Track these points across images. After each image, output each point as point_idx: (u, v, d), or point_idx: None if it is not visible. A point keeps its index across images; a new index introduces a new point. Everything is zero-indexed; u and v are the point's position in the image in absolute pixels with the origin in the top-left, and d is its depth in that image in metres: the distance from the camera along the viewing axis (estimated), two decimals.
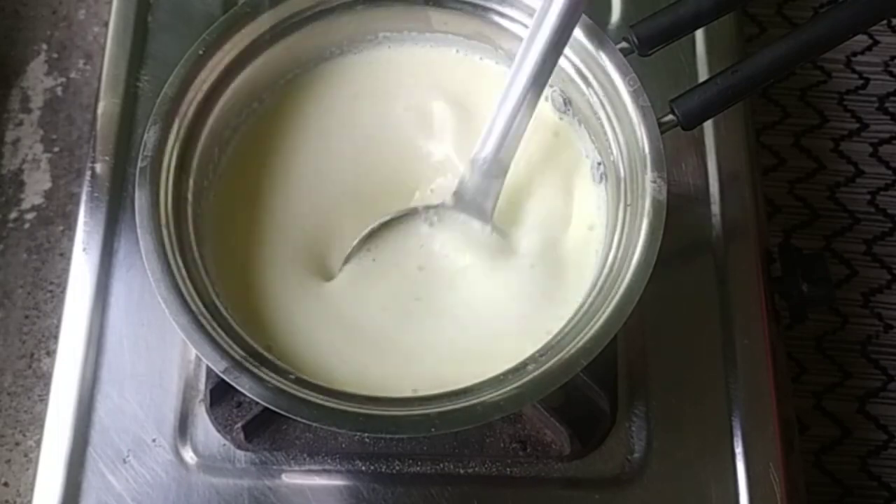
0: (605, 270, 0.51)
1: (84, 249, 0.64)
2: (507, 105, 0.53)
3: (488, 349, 0.53)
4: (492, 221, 0.56)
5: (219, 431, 0.59)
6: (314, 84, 0.61)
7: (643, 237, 0.50)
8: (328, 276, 0.56)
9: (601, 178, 0.57)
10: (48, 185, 0.95)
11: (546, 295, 0.55)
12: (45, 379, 0.87)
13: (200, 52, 0.55)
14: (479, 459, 0.59)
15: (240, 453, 0.59)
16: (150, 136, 0.52)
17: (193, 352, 0.58)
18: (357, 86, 0.61)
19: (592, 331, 0.48)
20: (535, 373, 0.47)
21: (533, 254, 0.56)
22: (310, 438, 0.59)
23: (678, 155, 0.67)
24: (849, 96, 1.04)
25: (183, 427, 0.60)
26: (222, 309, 0.50)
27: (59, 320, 0.63)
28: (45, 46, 1.02)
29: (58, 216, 0.94)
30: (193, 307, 0.48)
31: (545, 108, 0.60)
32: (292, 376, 0.48)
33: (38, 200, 0.95)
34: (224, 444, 0.59)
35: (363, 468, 0.59)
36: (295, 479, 0.59)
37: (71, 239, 0.65)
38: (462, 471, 0.59)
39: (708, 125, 0.68)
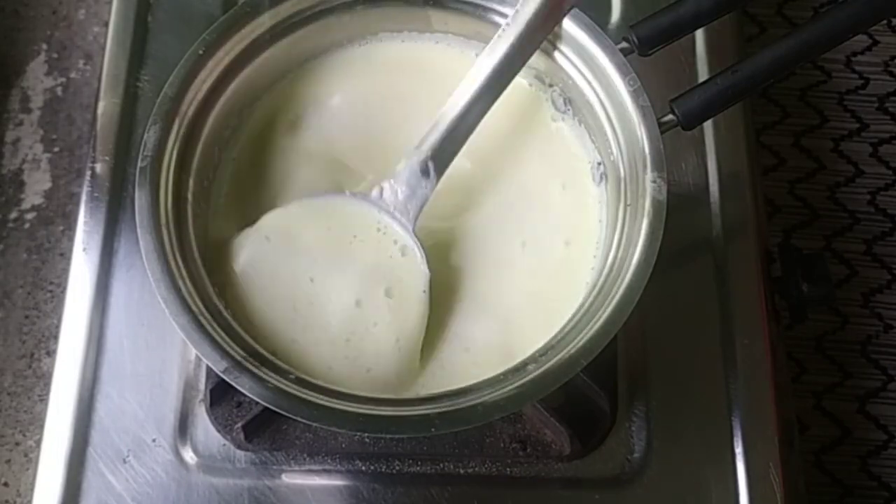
0: (605, 270, 0.51)
1: (84, 249, 0.64)
2: (456, 98, 0.54)
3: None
4: (414, 235, 0.54)
5: (219, 431, 0.59)
6: (314, 83, 0.61)
7: (643, 237, 0.50)
8: None
9: (601, 178, 0.57)
10: (48, 185, 0.95)
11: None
12: (45, 379, 0.87)
13: (200, 52, 0.55)
14: (479, 459, 0.59)
15: (240, 453, 0.59)
16: (150, 136, 0.52)
17: (193, 352, 0.58)
18: (357, 85, 0.61)
19: (592, 331, 0.48)
20: (535, 373, 0.47)
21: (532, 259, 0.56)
22: (310, 438, 0.59)
23: (678, 155, 0.67)
24: (849, 96, 1.04)
25: (183, 427, 0.60)
26: (222, 309, 0.50)
27: (59, 320, 0.63)
28: (45, 46, 1.02)
29: (58, 216, 0.94)
30: (193, 307, 0.48)
31: (545, 108, 0.60)
32: (292, 376, 0.48)
33: (38, 200, 0.95)
34: (224, 444, 0.59)
35: (363, 468, 0.59)
36: (295, 479, 0.59)
37: (71, 239, 0.65)
38: (462, 471, 0.59)
39: (708, 125, 0.68)
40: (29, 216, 0.94)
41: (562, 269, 0.56)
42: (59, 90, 1.00)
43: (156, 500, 0.58)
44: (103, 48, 0.71)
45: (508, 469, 0.59)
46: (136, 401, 0.60)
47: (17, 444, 0.86)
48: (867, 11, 0.53)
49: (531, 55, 0.55)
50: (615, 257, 0.51)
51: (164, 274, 0.49)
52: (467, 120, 0.54)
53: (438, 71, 0.60)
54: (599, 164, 0.57)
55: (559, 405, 0.58)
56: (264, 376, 0.47)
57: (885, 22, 1.07)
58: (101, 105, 0.69)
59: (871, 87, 1.05)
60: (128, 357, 0.61)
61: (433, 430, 0.46)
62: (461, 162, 0.56)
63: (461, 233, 0.57)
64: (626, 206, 0.52)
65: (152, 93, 0.68)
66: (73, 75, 1.00)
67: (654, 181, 0.51)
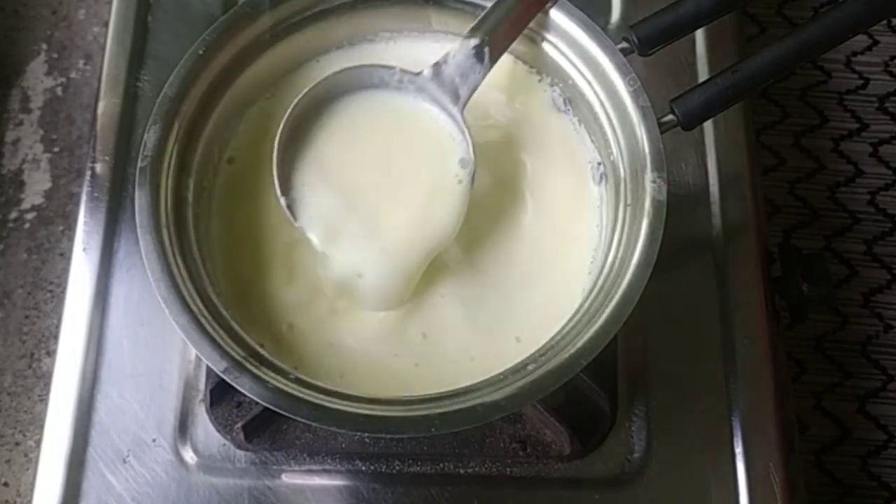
0: (605, 270, 0.51)
1: (84, 249, 0.64)
2: None
3: None
4: (471, 155, 0.54)
5: (219, 431, 0.59)
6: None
7: (643, 237, 0.50)
8: None
9: (601, 178, 0.57)
10: (48, 185, 0.95)
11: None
12: (45, 379, 0.87)
13: (200, 52, 0.55)
14: (479, 459, 0.59)
15: (240, 453, 0.59)
16: (150, 136, 0.52)
17: (193, 352, 0.58)
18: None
19: (592, 331, 0.48)
20: (535, 373, 0.47)
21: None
22: (310, 438, 0.59)
23: (678, 155, 0.67)
24: (849, 96, 1.04)
25: (183, 427, 0.60)
26: (222, 309, 0.50)
27: (59, 320, 0.63)
28: (45, 46, 1.02)
29: (58, 216, 0.94)
30: (193, 307, 0.48)
31: (544, 108, 0.60)
32: (292, 376, 0.48)
33: (38, 200, 0.95)
34: (224, 444, 0.59)
35: (363, 468, 0.59)
36: (295, 479, 0.59)
37: (71, 239, 0.65)
38: (462, 471, 0.59)
39: (708, 125, 0.68)
40: (29, 216, 0.94)
41: (561, 270, 0.56)
42: (59, 90, 1.00)
43: (156, 500, 0.58)
44: (103, 48, 0.71)
45: (508, 469, 0.59)
46: (136, 401, 0.60)
47: (17, 444, 0.86)
48: (867, 11, 0.53)
49: None
50: (615, 257, 0.51)
51: (164, 274, 0.49)
52: (519, 11, 0.54)
53: None
54: (599, 164, 0.57)
55: (559, 405, 0.58)
56: (264, 376, 0.47)
57: (885, 22, 1.07)
58: (101, 105, 0.69)
59: (871, 87, 1.05)
60: (128, 357, 0.61)
61: (433, 430, 0.46)
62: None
63: (462, 232, 0.57)
64: (625, 206, 0.52)
65: (152, 93, 0.68)
66: (73, 75, 1.00)
67: (654, 181, 0.51)
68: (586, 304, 0.50)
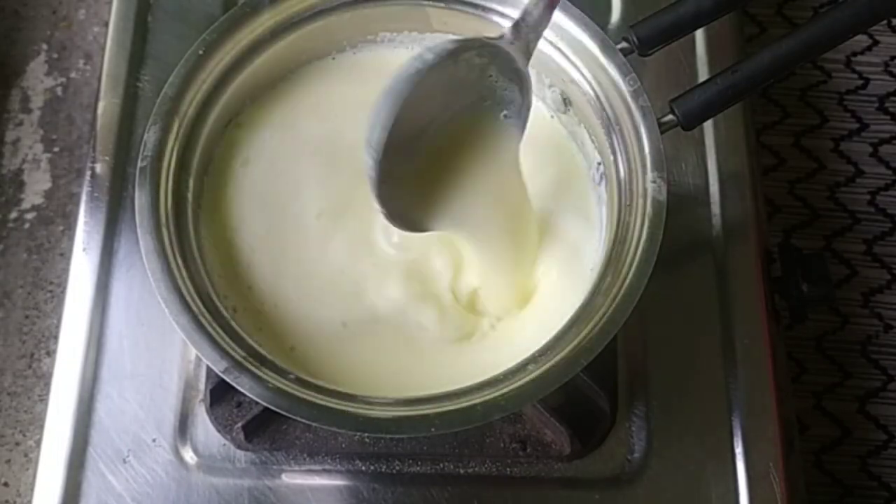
0: (605, 270, 0.51)
1: (84, 249, 0.64)
2: None
3: None
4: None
5: (219, 431, 0.59)
6: (314, 84, 0.61)
7: (643, 237, 0.50)
8: None
9: (601, 178, 0.57)
10: (48, 185, 0.95)
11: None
12: (45, 379, 0.87)
13: (200, 52, 0.55)
14: (479, 459, 0.59)
15: (240, 453, 0.59)
16: (150, 136, 0.52)
17: (193, 352, 0.58)
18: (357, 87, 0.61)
19: (592, 331, 0.48)
20: (535, 373, 0.47)
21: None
22: (310, 438, 0.59)
23: (678, 155, 0.67)
24: (849, 96, 1.04)
25: (183, 427, 0.60)
26: (222, 309, 0.50)
27: (59, 320, 0.63)
28: (45, 46, 1.02)
29: (58, 216, 0.94)
30: (193, 307, 0.48)
31: (544, 108, 0.60)
32: (292, 376, 0.48)
33: (38, 200, 0.95)
34: (224, 444, 0.59)
35: (363, 468, 0.59)
36: (295, 479, 0.59)
37: (71, 239, 0.65)
38: (462, 471, 0.59)
39: (708, 125, 0.68)
40: (29, 216, 0.94)
41: (561, 269, 0.56)
42: (59, 90, 1.00)
43: (156, 500, 0.58)
44: (103, 48, 0.71)
45: (508, 469, 0.59)
46: (136, 401, 0.60)
47: (17, 444, 0.86)
48: (867, 11, 0.53)
49: None
50: (615, 258, 0.51)
51: (164, 274, 0.49)
52: None
53: None
54: (599, 164, 0.57)
55: (559, 405, 0.58)
56: (264, 376, 0.47)
57: (885, 22, 1.07)
58: (101, 105, 0.69)
59: (871, 87, 1.05)
60: (128, 357, 0.61)
61: (433, 430, 0.46)
62: None
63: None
64: (626, 206, 0.52)
65: (152, 93, 0.68)
66: (73, 75, 1.00)
67: (654, 181, 0.51)
68: (586, 304, 0.50)
